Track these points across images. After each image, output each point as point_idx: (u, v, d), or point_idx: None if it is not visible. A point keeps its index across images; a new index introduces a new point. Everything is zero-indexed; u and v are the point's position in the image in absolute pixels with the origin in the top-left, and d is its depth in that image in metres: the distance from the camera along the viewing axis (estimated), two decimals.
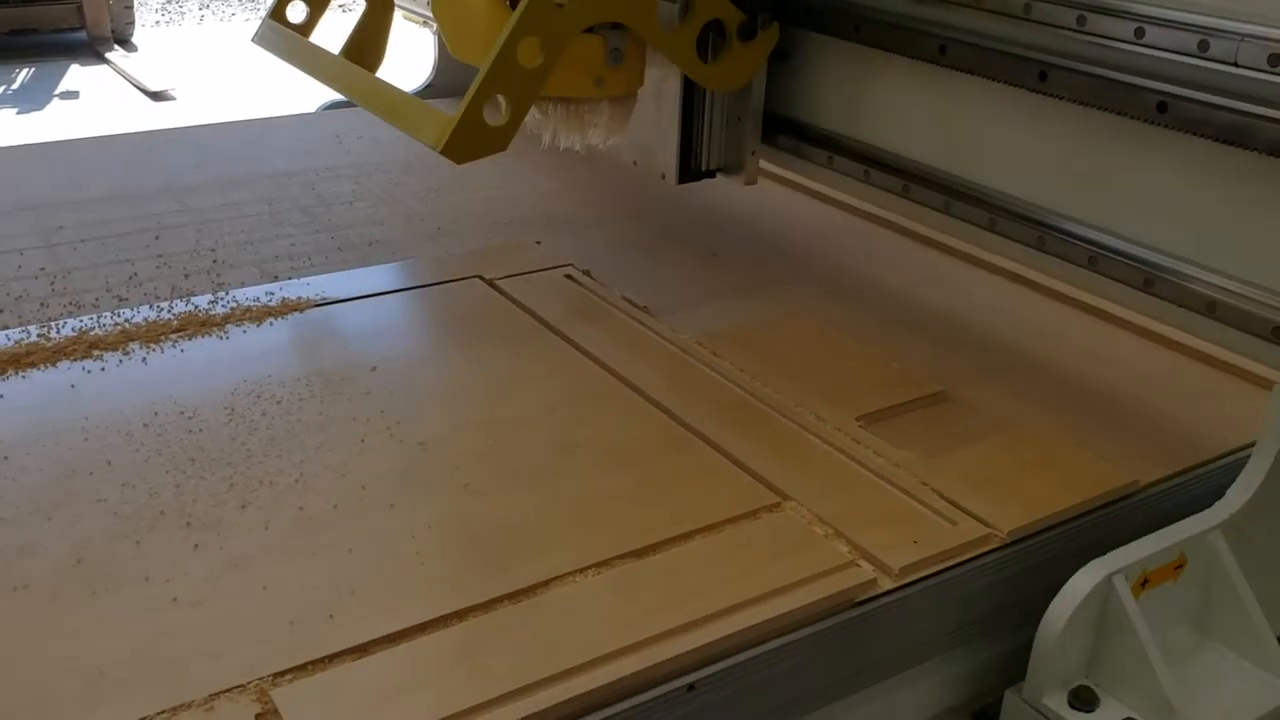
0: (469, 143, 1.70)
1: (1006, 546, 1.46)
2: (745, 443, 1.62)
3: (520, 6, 1.66)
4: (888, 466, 1.57)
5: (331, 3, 2.37)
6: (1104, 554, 1.40)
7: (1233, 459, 1.66)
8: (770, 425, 1.67)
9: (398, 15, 2.40)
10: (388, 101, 1.92)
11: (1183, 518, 1.47)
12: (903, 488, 1.53)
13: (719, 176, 2.15)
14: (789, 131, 2.13)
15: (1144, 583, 1.40)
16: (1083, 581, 1.36)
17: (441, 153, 1.68)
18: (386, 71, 2.28)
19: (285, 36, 2.24)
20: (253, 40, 2.31)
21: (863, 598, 1.35)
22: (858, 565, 1.38)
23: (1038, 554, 1.48)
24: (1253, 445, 1.51)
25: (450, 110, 1.74)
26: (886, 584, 1.37)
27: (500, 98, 1.71)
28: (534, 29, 1.68)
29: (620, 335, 1.93)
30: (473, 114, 1.68)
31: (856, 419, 1.69)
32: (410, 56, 2.02)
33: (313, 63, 2.13)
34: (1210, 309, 1.53)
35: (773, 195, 2.62)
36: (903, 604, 1.38)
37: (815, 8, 2.01)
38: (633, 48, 1.95)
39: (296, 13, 2.29)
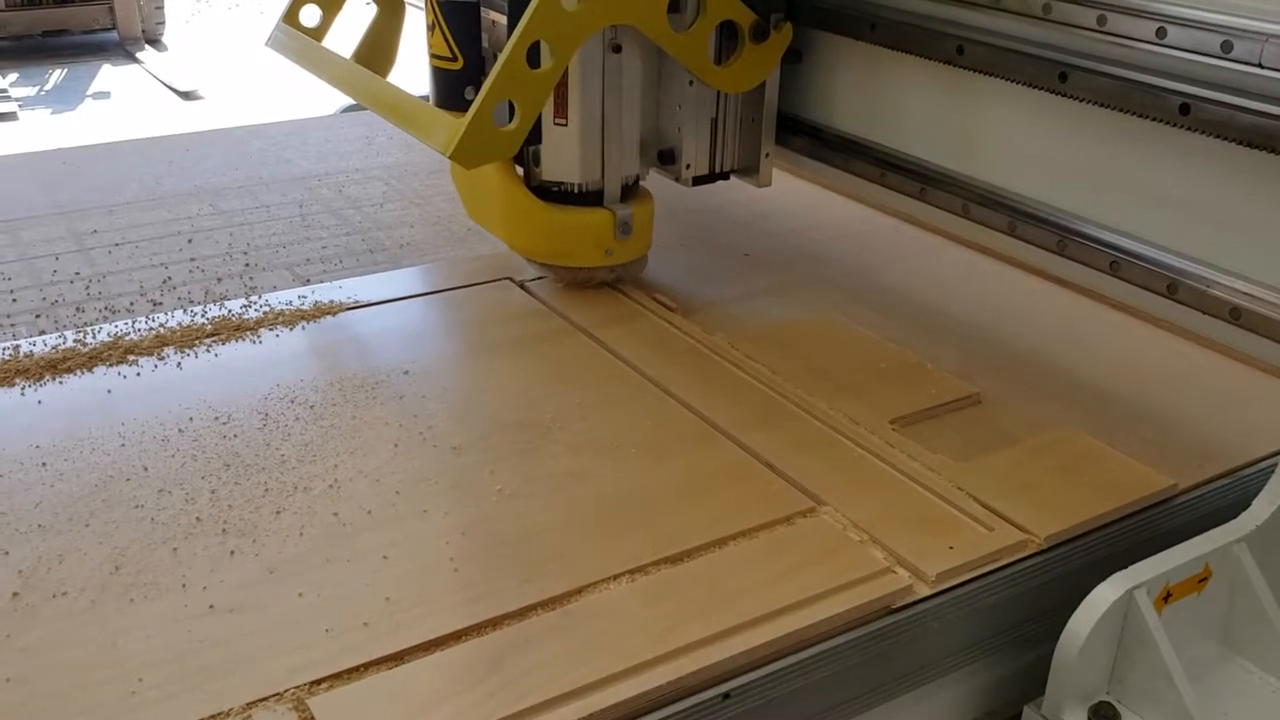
0: (478, 148, 1.69)
1: (1043, 552, 1.44)
2: (779, 446, 1.61)
3: (529, 10, 1.66)
4: (923, 471, 1.56)
5: (345, 6, 2.36)
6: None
7: (1268, 464, 1.64)
8: (804, 428, 1.67)
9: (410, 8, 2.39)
10: (397, 106, 1.92)
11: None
12: (938, 492, 1.52)
13: (733, 178, 2.14)
14: (804, 133, 2.11)
15: (1167, 596, 1.36)
16: (1103, 595, 1.33)
17: (450, 158, 1.68)
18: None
19: (298, 40, 2.24)
20: (266, 44, 2.31)
21: (899, 604, 1.34)
22: (894, 571, 1.37)
23: (1074, 560, 1.47)
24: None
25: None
26: (923, 590, 1.36)
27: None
28: (542, 33, 1.67)
29: (652, 337, 1.92)
30: (482, 119, 1.67)
31: (890, 422, 1.68)
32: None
33: (324, 67, 2.14)
34: (1234, 315, 1.50)
35: (805, 194, 2.61)
36: (939, 610, 1.37)
37: (829, 8, 1.99)
38: (641, 218, 1.99)
39: (310, 17, 2.29)
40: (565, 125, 1.92)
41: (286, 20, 2.29)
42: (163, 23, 8.78)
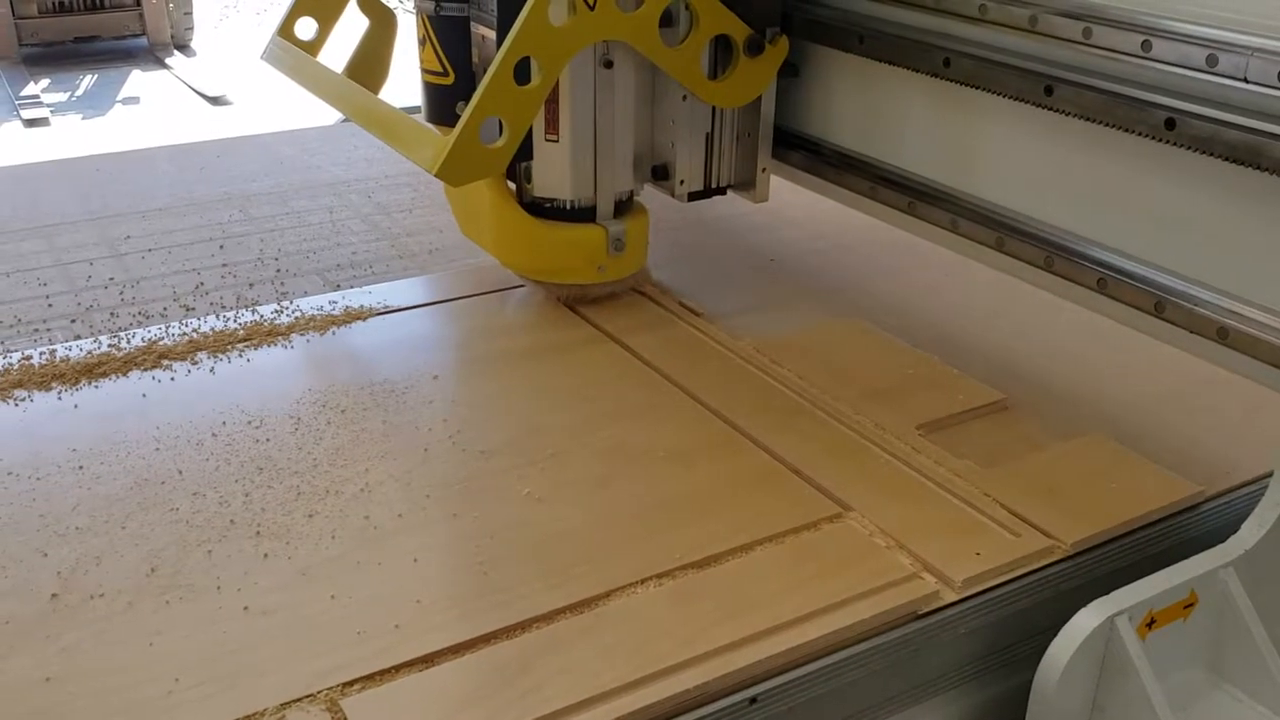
0: (465, 165, 1.68)
1: (1070, 558, 1.44)
2: (805, 452, 1.62)
3: (516, 25, 1.65)
4: (949, 476, 1.57)
5: (341, 19, 2.36)
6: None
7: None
8: (830, 434, 1.67)
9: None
10: (384, 122, 1.92)
11: None
12: (964, 498, 1.52)
13: (730, 193, 2.13)
14: (800, 147, 2.09)
15: (1150, 623, 1.34)
16: (1083, 622, 1.31)
17: (436, 175, 1.67)
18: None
19: (291, 54, 2.24)
20: (261, 58, 2.32)
21: (926, 610, 1.35)
22: (920, 577, 1.38)
23: (1101, 566, 1.47)
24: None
25: None
26: (949, 596, 1.37)
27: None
28: (530, 49, 1.66)
29: (678, 343, 1.93)
30: (468, 136, 1.66)
31: (917, 427, 1.69)
32: None
33: (316, 81, 2.14)
34: (1221, 335, 1.48)
35: (828, 200, 2.61)
36: (965, 616, 1.37)
37: (820, 21, 1.97)
38: (635, 234, 1.99)
39: (305, 30, 2.30)
40: (556, 141, 1.91)
41: (281, 33, 2.29)
42: (191, 29, 8.86)
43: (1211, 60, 1.38)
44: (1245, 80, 1.36)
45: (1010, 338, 2.02)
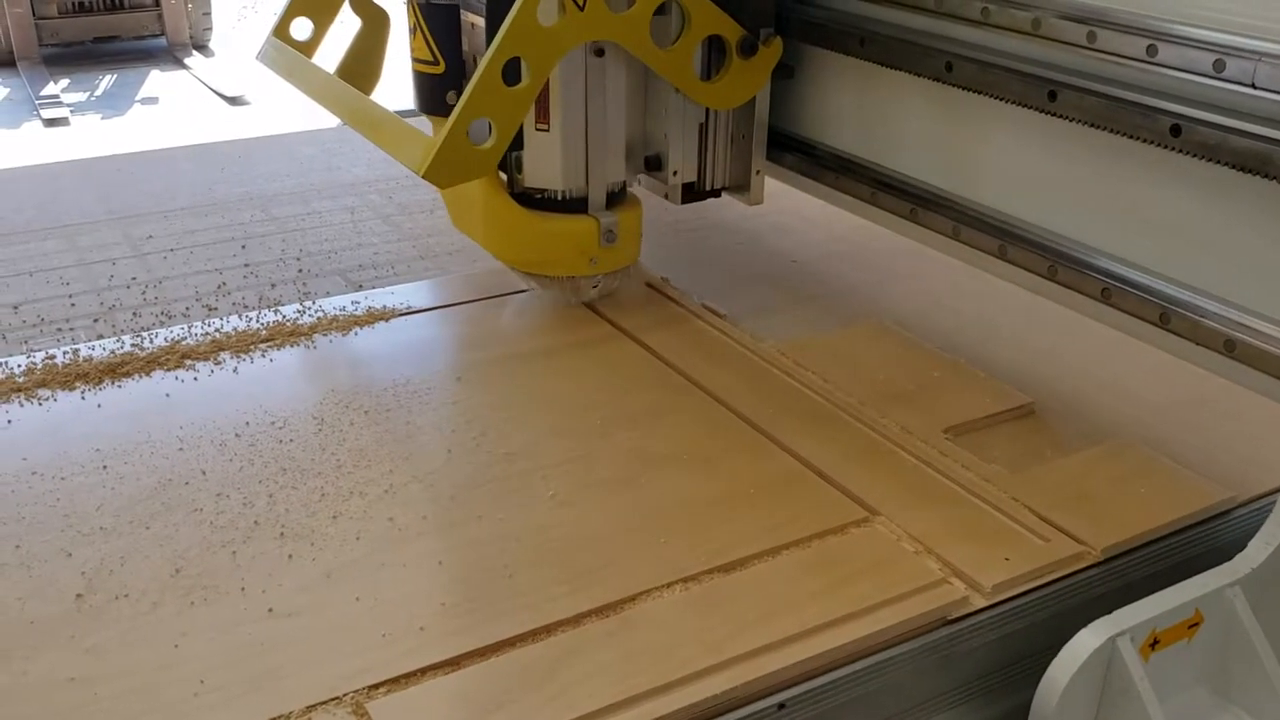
0: (453, 166, 1.66)
1: (1101, 564, 1.43)
2: (831, 455, 1.60)
3: (505, 26, 1.63)
4: (977, 481, 1.55)
5: (336, 19, 2.35)
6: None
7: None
8: (856, 437, 1.66)
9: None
10: (374, 122, 1.90)
11: None
12: (993, 503, 1.50)
13: (724, 195, 2.10)
14: (796, 150, 2.07)
15: (1154, 644, 1.31)
16: (1085, 642, 1.28)
17: (424, 177, 1.66)
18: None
19: (286, 54, 2.24)
20: (256, 58, 2.31)
21: (955, 615, 1.33)
22: (949, 583, 1.37)
23: (1132, 572, 1.45)
24: None
25: None
26: (979, 602, 1.35)
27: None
28: (519, 49, 1.64)
29: (701, 344, 1.92)
30: (456, 137, 1.64)
31: (943, 431, 1.67)
32: None
33: (309, 82, 2.14)
34: (1229, 347, 1.44)
35: None
36: (994, 623, 1.36)
37: (819, 22, 1.94)
38: (628, 226, 1.96)
39: (301, 30, 2.29)
40: (547, 130, 1.88)
41: (277, 34, 2.27)
42: (210, 29, 8.88)
43: (1218, 65, 1.35)
44: (1253, 86, 1.33)
45: (1034, 341, 2.00)
